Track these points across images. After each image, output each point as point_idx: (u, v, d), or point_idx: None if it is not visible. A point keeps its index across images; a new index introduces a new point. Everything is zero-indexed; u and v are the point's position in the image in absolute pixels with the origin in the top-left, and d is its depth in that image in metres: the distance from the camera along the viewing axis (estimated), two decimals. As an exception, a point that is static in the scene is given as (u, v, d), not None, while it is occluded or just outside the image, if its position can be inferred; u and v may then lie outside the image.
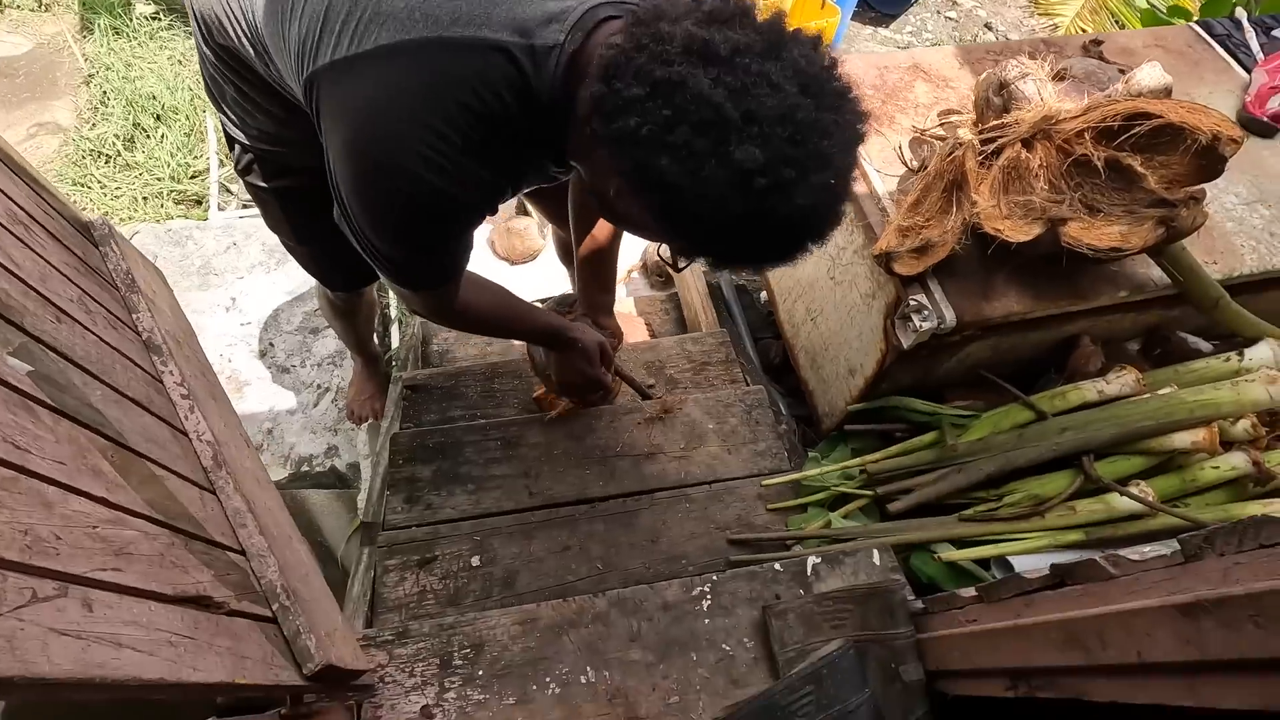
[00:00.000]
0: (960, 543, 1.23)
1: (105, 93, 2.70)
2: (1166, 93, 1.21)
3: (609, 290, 1.38)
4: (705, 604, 1.09)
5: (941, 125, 1.38)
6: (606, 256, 1.30)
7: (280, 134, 1.07)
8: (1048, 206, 1.11)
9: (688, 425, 1.46)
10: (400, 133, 0.73)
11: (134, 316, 0.97)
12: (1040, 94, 1.17)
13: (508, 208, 2.42)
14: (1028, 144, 1.14)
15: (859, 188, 1.34)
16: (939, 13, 3.72)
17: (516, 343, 1.81)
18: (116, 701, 0.47)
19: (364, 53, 0.73)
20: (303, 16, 0.79)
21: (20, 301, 0.68)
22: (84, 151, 2.55)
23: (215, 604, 0.63)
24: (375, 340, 1.97)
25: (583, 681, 1.01)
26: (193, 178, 2.55)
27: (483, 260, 2.35)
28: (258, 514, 0.82)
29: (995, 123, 1.18)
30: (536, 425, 1.43)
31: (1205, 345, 1.40)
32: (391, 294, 2.18)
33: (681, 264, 0.81)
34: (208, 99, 1.19)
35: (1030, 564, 1.12)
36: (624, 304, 2.16)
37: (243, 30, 0.91)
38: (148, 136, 2.61)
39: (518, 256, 2.34)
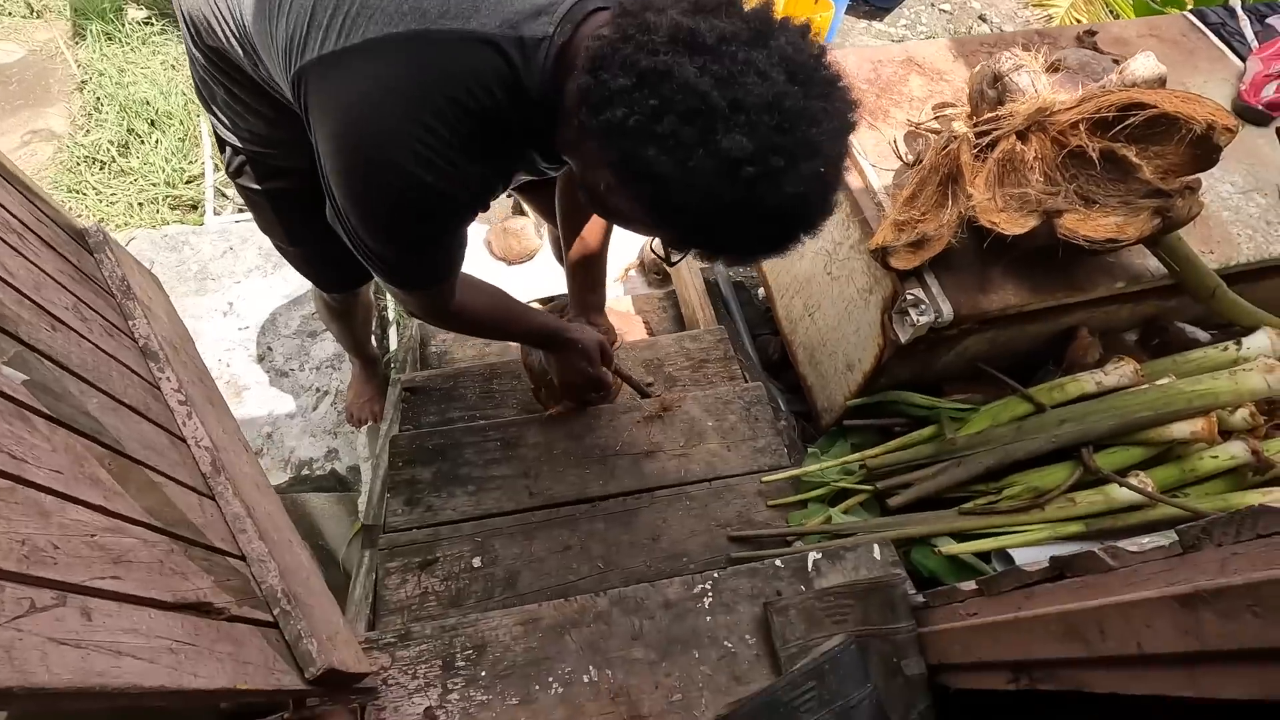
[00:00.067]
0: (960, 536, 1.23)
1: (99, 99, 2.69)
2: (1161, 82, 1.21)
3: (599, 289, 1.38)
4: (707, 601, 1.10)
5: (936, 118, 1.38)
6: (596, 256, 1.30)
7: (271, 135, 1.07)
8: (1043, 199, 1.11)
9: (687, 423, 1.46)
10: (390, 128, 0.72)
11: (130, 323, 0.96)
12: (1035, 86, 1.17)
13: (504, 207, 2.41)
14: (1022, 136, 1.14)
15: (854, 182, 1.34)
16: (933, 5, 3.72)
17: (514, 344, 1.81)
18: (117, 710, 0.47)
19: (351, 47, 0.72)
20: (290, 13, 0.78)
21: (15, 310, 0.68)
22: (78, 158, 2.54)
23: (216, 610, 0.63)
24: (373, 342, 1.96)
25: (585, 681, 1.01)
26: (188, 183, 2.54)
27: (479, 260, 2.35)
28: (257, 519, 0.82)
29: (990, 115, 1.18)
30: (536, 425, 1.43)
31: (1203, 335, 1.40)
32: (389, 296, 2.18)
33: (675, 257, 0.80)
34: (199, 102, 1.18)
35: (1031, 556, 1.13)
36: (621, 302, 2.15)
37: (231, 30, 0.91)
38: (142, 142, 2.60)
39: (514, 256, 2.33)
